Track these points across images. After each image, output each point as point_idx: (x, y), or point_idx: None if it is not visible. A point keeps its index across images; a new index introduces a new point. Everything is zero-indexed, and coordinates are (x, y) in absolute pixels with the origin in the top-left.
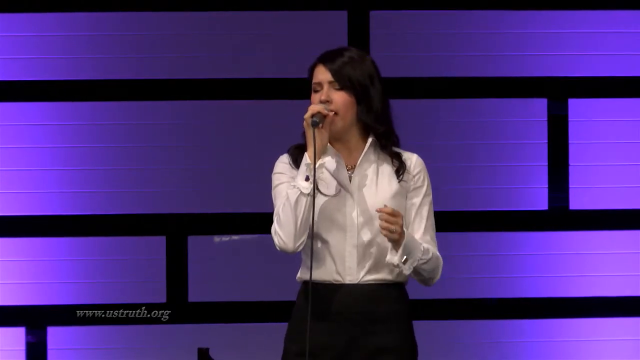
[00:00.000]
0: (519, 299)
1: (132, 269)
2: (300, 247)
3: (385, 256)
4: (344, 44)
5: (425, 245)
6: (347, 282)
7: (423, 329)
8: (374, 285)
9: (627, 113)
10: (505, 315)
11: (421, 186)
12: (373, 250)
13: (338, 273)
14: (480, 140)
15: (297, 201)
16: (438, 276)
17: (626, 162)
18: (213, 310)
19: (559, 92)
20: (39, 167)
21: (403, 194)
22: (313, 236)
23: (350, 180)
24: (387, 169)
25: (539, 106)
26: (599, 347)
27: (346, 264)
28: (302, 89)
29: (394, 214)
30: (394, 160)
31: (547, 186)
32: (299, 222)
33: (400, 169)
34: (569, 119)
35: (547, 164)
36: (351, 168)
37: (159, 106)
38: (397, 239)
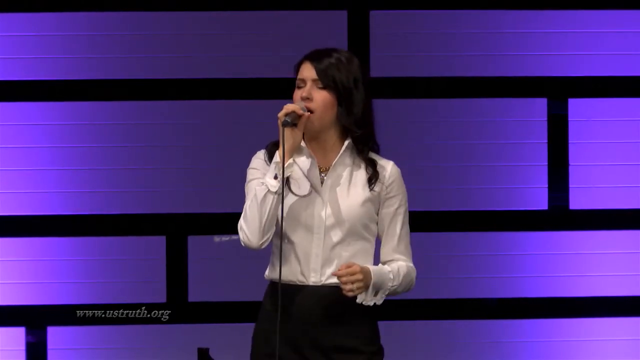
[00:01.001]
0: (519, 299)
1: (132, 269)
2: (265, 245)
3: (351, 260)
4: (344, 44)
5: (395, 268)
6: (311, 283)
7: (423, 329)
8: (338, 287)
9: (627, 113)
10: (505, 315)
11: (395, 195)
12: (339, 252)
13: (302, 274)
14: (480, 140)
15: (264, 198)
16: (412, 287)
17: (626, 162)
18: (213, 310)
19: (559, 92)
20: (39, 167)
21: (374, 201)
22: (281, 236)
23: (322, 182)
24: (361, 175)
25: (539, 106)
26: (599, 347)
27: (311, 265)
28: None
29: (349, 271)
30: (368, 167)
31: (547, 186)
32: (264, 220)
33: (372, 177)
34: (569, 119)
35: (547, 163)
36: (325, 170)
37: (158, 106)
38: (363, 289)
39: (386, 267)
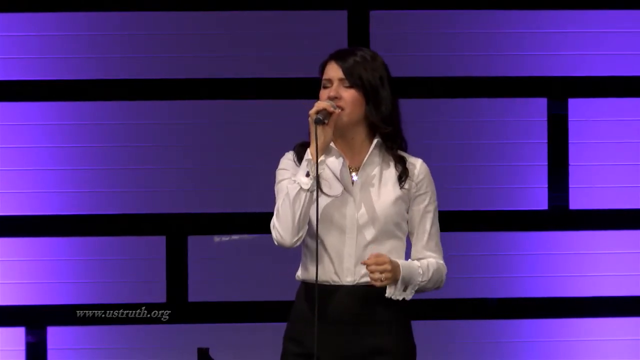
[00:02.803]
0: (519, 299)
1: (132, 269)
2: (298, 243)
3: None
4: (344, 44)
5: (424, 263)
6: (345, 283)
7: (423, 329)
8: (372, 286)
9: (627, 113)
10: (505, 315)
11: (425, 192)
12: (371, 252)
13: (336, 274)
14: (480, 140)
15: (296, 196)
16: (442, 284)
17: (626, 162)
18: (213, 310)
19: (559, 91)
20: (39, 167)
21: (405, 199)
22: (317, 236)
23: (352, 182)
24: (390, 173)
25: (539, 106)
26: (599, 347)
27: (344, 265)
28: (303, 89)
29: (377, 261)
30: (398, 164)
31: (547, 186)
32: (297, 217)
33: (402, 175)
34: (569, 119)
35: (547, 163)
36: (355, 169)
37: (158, 106)
38: (391, 281)
39: (415, 263)
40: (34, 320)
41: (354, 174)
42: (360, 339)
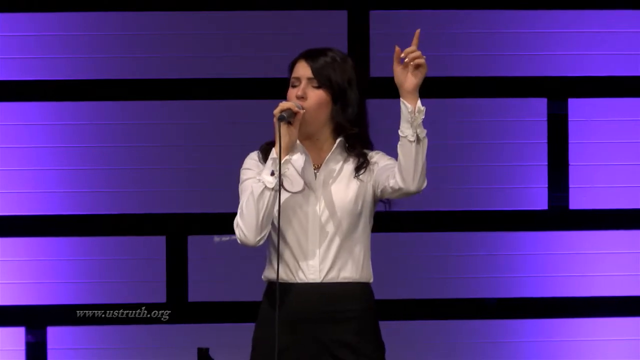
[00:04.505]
0: (519, 299)
1: (132, 269)
2: (262, 242)
3: (348, 255)
4: (344, 44)
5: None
6: (310, 280)
7: (423, 329)
8: (337, 284)
9: (627, 113)
10: (505, 315)
11: (378, 160)
12: (335, 248)
13: (302, 271)
14: (480, 140)
15: (260, 194)
16: (425, 178)
17: (626, 162)
18: (213, 310)
19: (558, 91)
20: (39, 167)
21: (369, 192)
22: (278, 233)
23: (315, 178)
24: (351, 167)
25: (539, 106)
26: (599, 347)
27: (309, 262)
28: None
29: (410, 49)
30: (360, 159)
31: (547, 186)
32: (261, 216)
33: (361, 166)
34: (569, 119)
35: (547, 163)
36: (317, 167)
37: (158, 106)
38: (426, 72)
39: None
40: (34, 320)
41: (316, 171)
42: (327, 337)
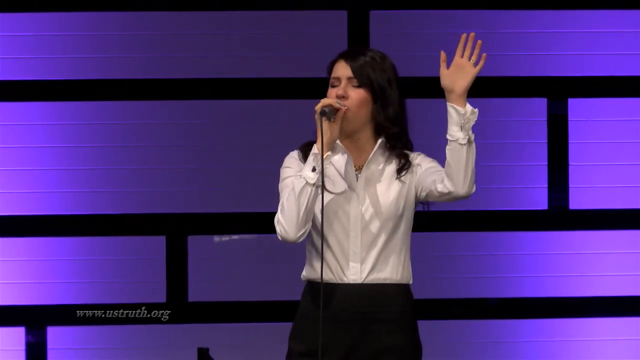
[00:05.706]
0: (519, 299)
1: (132, 269)
2: (302, 238)
3: (389, 257)
4: (344, 44)
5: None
6: (351, 281)
7: (423, 329)
8: (377, 285)
9: (627, 113)
10: (505, 315)
11: (421, 162)
12: (376, 250)
13: (342, 272)
14: (480, 140)
15: (301, 190)
16: (474, 184)
17: (626, 162)
18: (213, 310)
19: (558, 91)
20: (39, 167)
21: (410, 193)
22: (322, 235)
23: (357, 179)
24: (393, 168)
25: (539, 106)
26: (599, 347)
27: (350, 263)
28: (304, 89)
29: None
30: (401, 160)
31: (547, 186)
32: (301, 211)
33: (404, 167)
34: (569, 119)
35: (546, 163)
36: (359, 168)
37: (158, 106)
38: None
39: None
40: (34, 320)
41: (357, 172)
42: (366, 338)
